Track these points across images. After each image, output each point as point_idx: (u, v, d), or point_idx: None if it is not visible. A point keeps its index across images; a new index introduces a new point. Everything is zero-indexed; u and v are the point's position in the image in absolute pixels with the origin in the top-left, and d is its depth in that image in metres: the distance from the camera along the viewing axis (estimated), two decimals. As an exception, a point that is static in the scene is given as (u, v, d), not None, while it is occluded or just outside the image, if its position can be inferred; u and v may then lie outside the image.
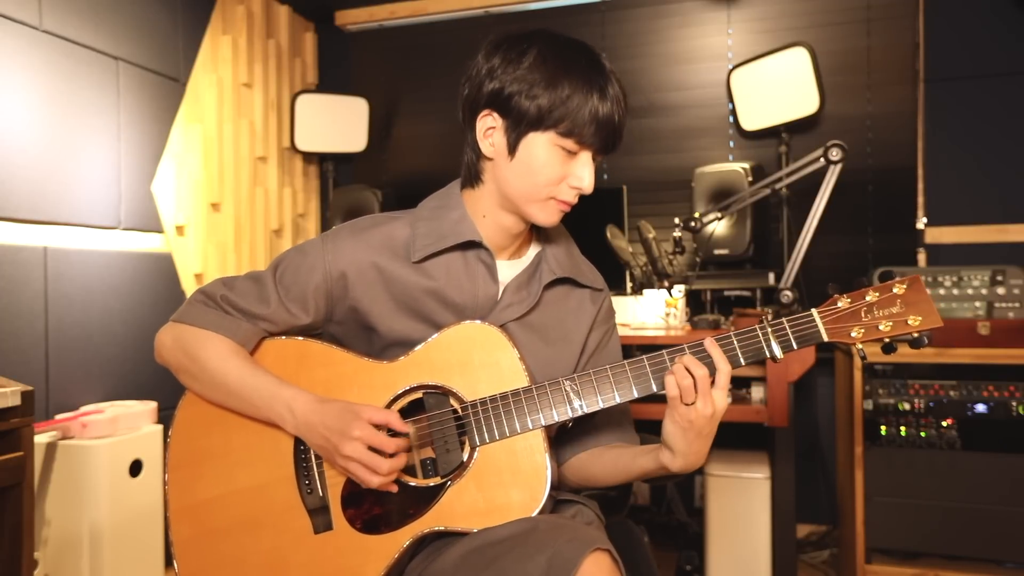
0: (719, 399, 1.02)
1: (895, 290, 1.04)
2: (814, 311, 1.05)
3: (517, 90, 1.07)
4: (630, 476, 1.17)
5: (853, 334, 1.04)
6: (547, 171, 1.09)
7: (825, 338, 1.04)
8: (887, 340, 1.04)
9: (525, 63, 1.07)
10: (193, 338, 1.14)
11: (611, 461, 1.19)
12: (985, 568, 2.21)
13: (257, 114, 3.17)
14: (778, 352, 1.04)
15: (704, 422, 1.02)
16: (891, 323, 1.03)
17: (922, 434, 2.24)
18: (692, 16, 3.09)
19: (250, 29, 3.12)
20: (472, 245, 1.17)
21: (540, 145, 1.08)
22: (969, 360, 2.21)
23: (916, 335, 1.03)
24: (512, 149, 1.10)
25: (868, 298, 1.04)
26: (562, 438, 1.25)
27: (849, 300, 1.05)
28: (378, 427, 1.05)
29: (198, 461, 1.14)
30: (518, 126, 1.08)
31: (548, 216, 1.13)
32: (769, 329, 1.05)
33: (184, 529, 1.12)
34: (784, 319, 1.05)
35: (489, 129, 1.11)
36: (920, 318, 1.02)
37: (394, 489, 1.07)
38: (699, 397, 1.01)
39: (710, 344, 1.04)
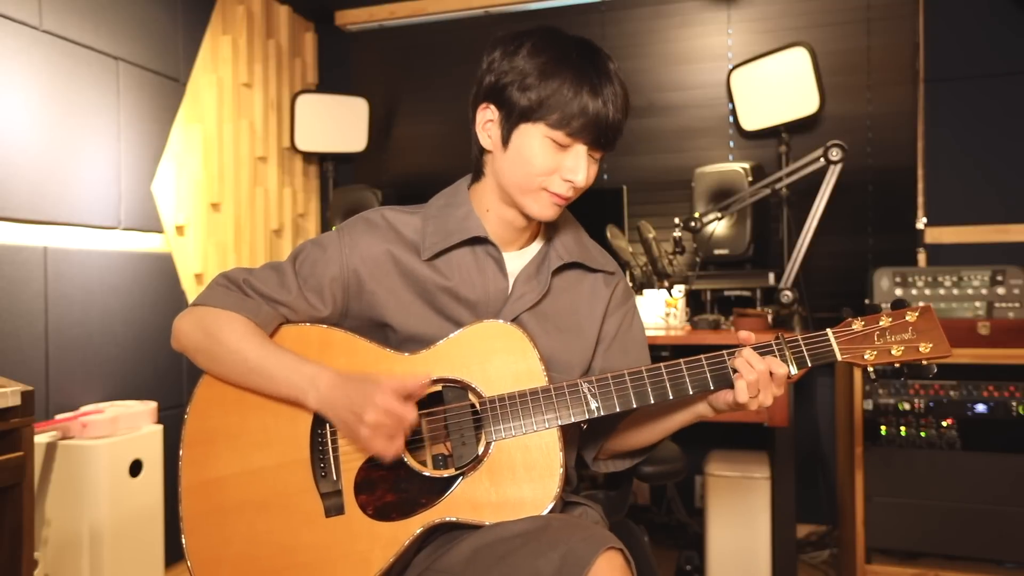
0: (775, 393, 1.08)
1: (907, 317, 1.08)
2: (829, 331, 1.09)
3: (510, 81, 1.09)
4: (666, 433, 1.22)
5: (866, 356, 1.08)
6: (538, 162, 1.09)
7: (839, 357, 1.08)
8: (898, 365, 1.08)
9: (520, 55, 1.09)
10: (213, 318, 1.14)
11: (648, 423, 1.23)
12: (985, 568, 2.21)
13: (257, 114, 3.17)
14: (793, 369, 1.08)
15: (754, 404, 1.08)
16: (903, 348, 1.07)
17: (922, 434, 2.24)
18: (692, 16, 3.09)
19: (250, 29, 3.12)
20: (479, 240, 1.19)
21: (532, 136, 1.09)
22: (969, 360, 2.21)
23: (925, 363, 1.07)
24: (505, 140, 1.11)
25: (881, 323, 1.08)
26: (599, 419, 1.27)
27: (863, 323, 1.08)
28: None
29: (213, 440, 1.15)
30: (510, 117, 1.10)
31: (542, 209, 1.13)
32: (785, 346, 1.08)
33: (195, 505, 1.13)
34: (800, 337, 1.09)
35: (487, 122, 1.14)
36: (931, 346, 1.07)
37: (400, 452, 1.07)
38: (762, 391, 1.07)
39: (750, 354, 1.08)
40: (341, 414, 1.07)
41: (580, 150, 1.09)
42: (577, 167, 1.09)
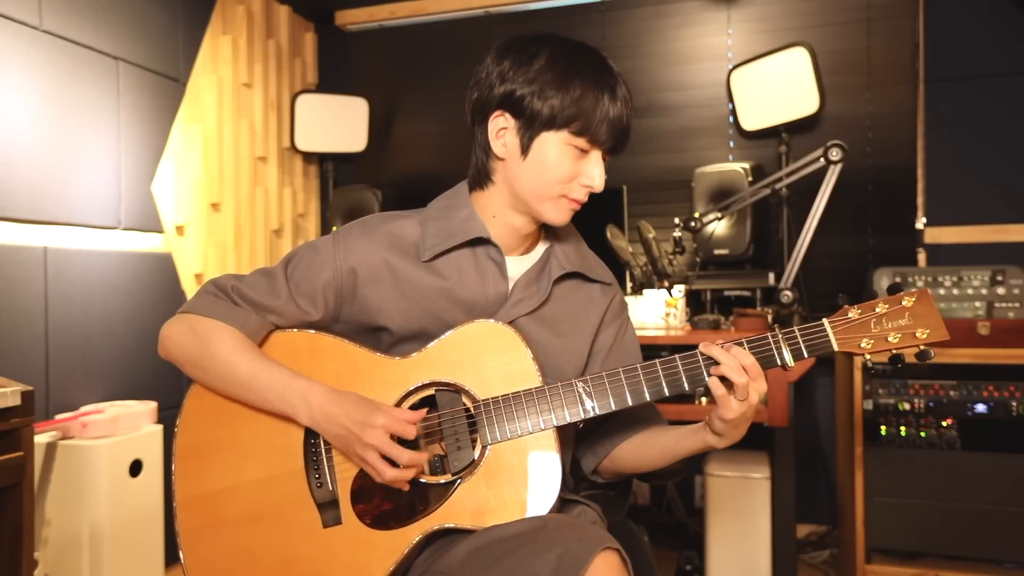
0: (762, 386, 1.05)
1: (904, 302, 1.05)
2: (825, 321, 1.06)
3: (530, 91, 1.08)
4: (675, 459, 1.20)
5: (863, 344, 1.05)
6: (559, 170, 1.10)
7: (836, 347, 1.06)
8: (895, 352, 1.06)
9: (536, 65, 1.09)
10: (202, 329, 1.13)
11: (655, 448, 1.21)
12: (985, 568, 2.21)
13: (257, 114, 3.17)
14: (789, 360, 1.06)
15: (752, 410, 1.05)
16: (900, 335, 1.05)
17: (922, 434, 2.24)
18: (692, 16, 3.09)
19: (250, 29, 3.12)
20: (481, 242, 1.18)
21: (553, 144, 1.10)
22: (969, 360, 2.21)
23: (923, 348, 1.04)
24: (525, 149, 1.11)
25: (878, 309, 1.06)
26: (599, 430, 1.26)
27: (859, 311, 1.06)
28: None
29: (206, 452, 1.14)
30: (531, 126, 1.10)
31: (559, 215, 1.15)
32: (781, 337, 1.06)
33: (190, 520, 1.12)
34: (796, 328, 1.07)
35: (501, 130, 1.13)
36: (928, 331, 1.04)
37: (406, 487, 1.07)
38: (752, 381, 1.03)
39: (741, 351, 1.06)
40: (336, 430, 1.06)
41: (597, 155, 1.11)
42: (597, 173, 1.11)
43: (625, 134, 1.12)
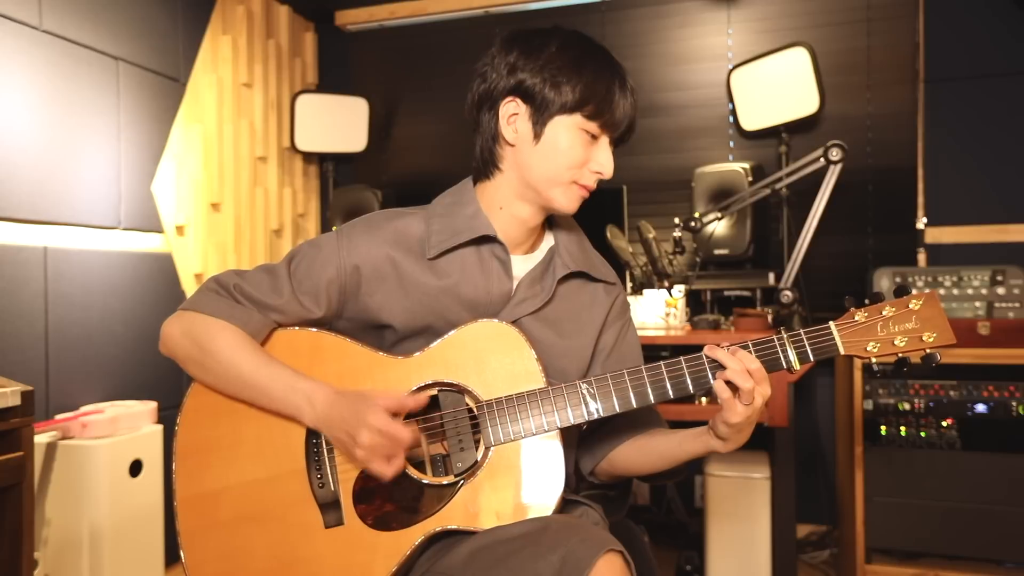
0: (766, 390, 1.05)
1: (911, 305, 1.04)
2: (832, 324, 1.06)
3: (541, 78, 1.10)
4: (676, 463, 1.19)
5: (869, 348, 1.04)
6: (571, 154, 1.11)
7: (842, 351, 1.05)
8: (901, 355, 1.05)
9: (546, 53, 1.11)
10: (204, 327, 1.12)
11: (656, 452, 1.20)
12: (985, 568, 2.21)
13: (257, 114, 3.17)
14: (795, 363, 1.05)
15: (757, 413, 1.05)
16: (906, 339, 1.04)
17: (922, 434, 2.24)
18: (692, 16, 3.09)
19: (250, 29, 3.12)
20: (486, 240, 1.18)
21: (565, 128, 1.11)
22: (969, 360, 2.21)
23: (929, 351, 1.04)
24: (537, 134, 1.12)
25: (884, 312, 1.05)
26: (598, 432, 1.25)
27: (866, 314, 1.05)
28: (393, 413, 1.05)
29: (206, 451, 1.13)
30: (544, 111, 1.11)
31: (569, 201, 1.15)
32: (787, 339, 1.05)
33: (191, 519, 1.11)
34: (802, 331, 1.06)
35: (512, 116, 1.13)
36: (935, 334, 1.03)
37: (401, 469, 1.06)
38: (757, 386, 1.03)
39: (744, 354, 1.05)
40: (336, 433, 1.06)
41: (606, 141, 1.14)
42: (606, 158, 1.13)
43: (633, 124, 1.15)
